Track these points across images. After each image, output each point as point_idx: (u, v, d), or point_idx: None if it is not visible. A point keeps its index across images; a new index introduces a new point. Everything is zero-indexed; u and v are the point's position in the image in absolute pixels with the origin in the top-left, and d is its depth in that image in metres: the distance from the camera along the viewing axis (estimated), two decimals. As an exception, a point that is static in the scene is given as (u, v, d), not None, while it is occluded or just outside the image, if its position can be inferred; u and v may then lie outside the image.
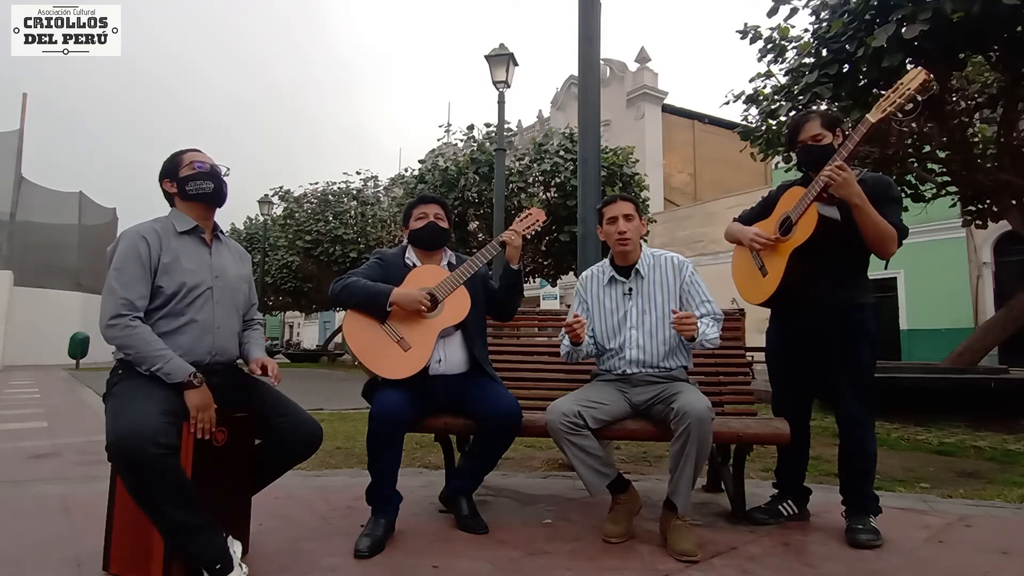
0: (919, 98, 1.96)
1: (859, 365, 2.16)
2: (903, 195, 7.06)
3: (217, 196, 1.95)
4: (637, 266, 2.30)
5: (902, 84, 1.96)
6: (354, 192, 19.52)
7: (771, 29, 6.11)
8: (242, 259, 2.09)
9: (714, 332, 2.16)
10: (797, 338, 2.29)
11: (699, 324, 2.09)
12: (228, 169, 2.58)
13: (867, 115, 2.03)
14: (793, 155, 2.38)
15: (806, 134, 2.23)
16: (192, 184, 1.90)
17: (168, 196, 1.95)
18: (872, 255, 2.22)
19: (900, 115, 2.02)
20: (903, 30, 4.54)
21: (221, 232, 2.02)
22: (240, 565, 1.65)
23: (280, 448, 1.94)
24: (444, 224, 2.37)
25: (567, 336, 2.22)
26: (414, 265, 2.35)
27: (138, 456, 1.51)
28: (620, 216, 2.28)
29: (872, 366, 2.19)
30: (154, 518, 1.58)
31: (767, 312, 2.40)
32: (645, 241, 2.39)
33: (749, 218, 2.44)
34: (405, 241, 2.45)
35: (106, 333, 1.72)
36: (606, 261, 2.41)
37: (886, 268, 2.35)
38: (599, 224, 2.39)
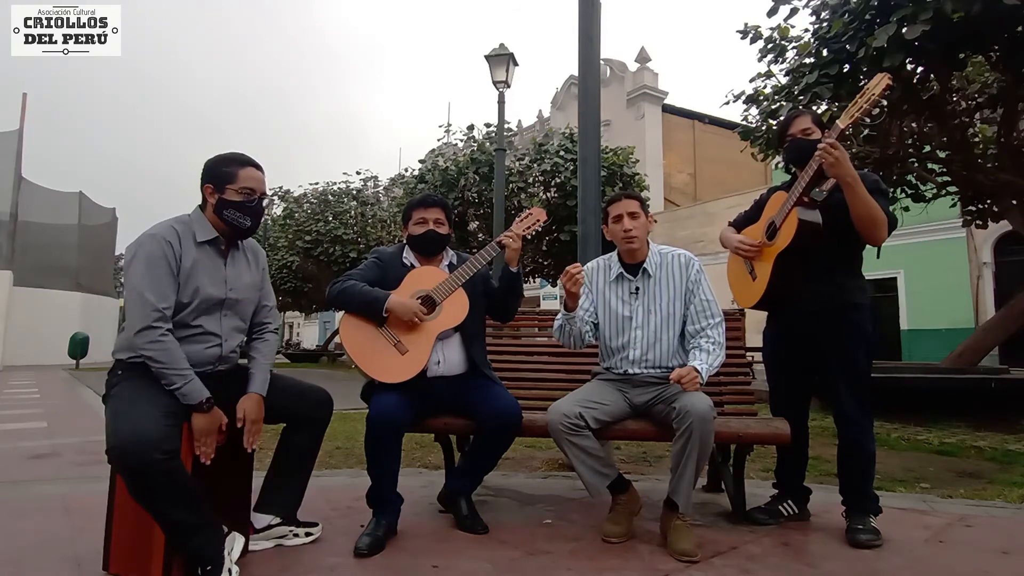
0: (884, 102, 1.98)
1: (855, 365, 2.16)
2: (903, 195, 7.07)
3: (249, 232, 1.90)
4: (645, 265, 2.27)
5: (868, 90, 1.99)
6: (354, 192, 19.51)
7: (771, 29, 6.11)
8: (257, 262, 2.04)
9: (717, 358, 2.11)
10: (793, 339, 2.29)
11: (698, 362, 2.04)
12: (272, 199, 2.57)
13: (836, 121, 2.06)
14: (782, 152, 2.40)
15: (796, 127, 2.25)
16: (231, 212, 1.83)
17: (203, 197, 1.87)
18: (864, 253, 2.24)
19: (868, 119, 2.05)
20: (904, 30, 4.53)
21: (241, 240, 1.97)
22: (229, 571, 1.65)
23: (302, 418, 2.01)
24: (444, 230, 2.34)
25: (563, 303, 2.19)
26: (412, 265, 2.33)
27: (141, 461, 1.51)
28: (625, 214, 2.25)
29: (868, 366, 2.19)
30: (156, 517, 1.59)
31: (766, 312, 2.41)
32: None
33: (742, 221, 2.46)
34: (404, 240, 2.44)
35: (135, 341, 1.69)
36: (613, 255, 2.37)
37: (878, 257, 2.35)
38: (604, 223, 2.37)
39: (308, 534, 2.03)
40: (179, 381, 1.68)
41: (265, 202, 1.97)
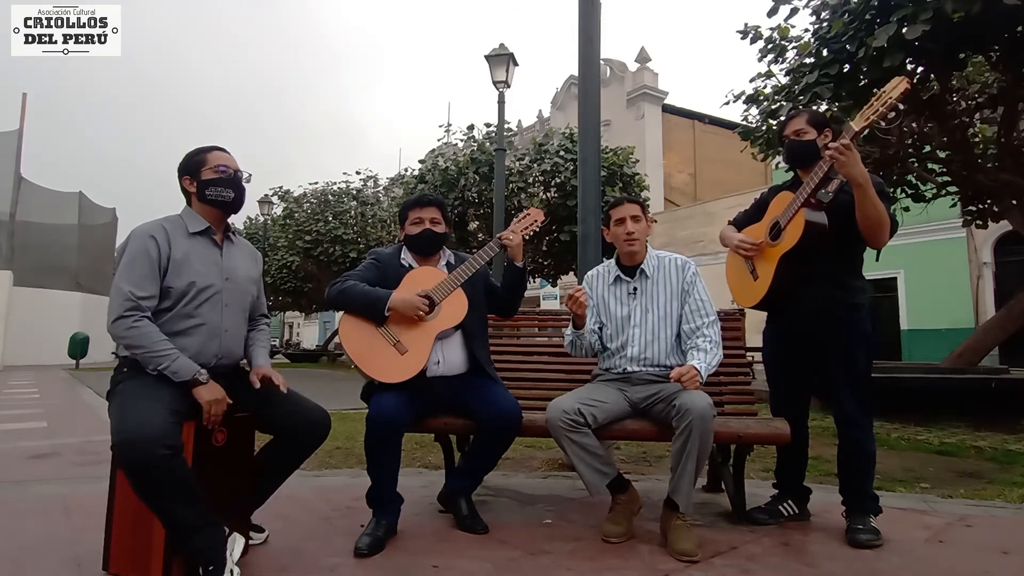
0: (901, 107, 1.97)
1: (855, 366, 2.17)
2: (903, 195, 7.08)
3: (235, 205, 1.95)
4: (643, 267, 2.32)
5: (884, 92, 1.97)
6: (354, 192, 19.52)
7: (771, 29, 6.12)
8: (254, 260, 2.10)
9: (715, 357, 2.13)
10: (793, 339, 2.30)
11: (696, 361, 2.06)
12: (250, 175, 2.60)
13: (851, 123, 2.05)
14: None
15: (790, 129, 2.27)
16: (212, 189, 1.90)
17: (185, 193, 1.94)
18: (864, 255, 2.24)
19: (883, 123, 2.05)
20: (904, 30, 4.53)
21: (233, 233, 2.02)
22: (231, 571, 1.65)
23: (291, 439, 1.94)
24: (440, 229, 2.35)
25: (571, 320, 2.24)
26: (410, 266, 2.33)
27: (145, 457, 1.52)
28: (628, 218, 2.30)
29: (868, 366, 2.19)
30: (158, 514, 1.59)
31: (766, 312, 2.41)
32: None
33: (742, 220, 2.46)
34: (402, 241, 2.43)
35: (111, 330, 1.72)
36: (611, 261, 2.43)
37: (877, 259, 2.36)
38: (606, 226, 2.41)
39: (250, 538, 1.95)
40: (165, 361, 1.69)
41: (244, 178, 2.00)
